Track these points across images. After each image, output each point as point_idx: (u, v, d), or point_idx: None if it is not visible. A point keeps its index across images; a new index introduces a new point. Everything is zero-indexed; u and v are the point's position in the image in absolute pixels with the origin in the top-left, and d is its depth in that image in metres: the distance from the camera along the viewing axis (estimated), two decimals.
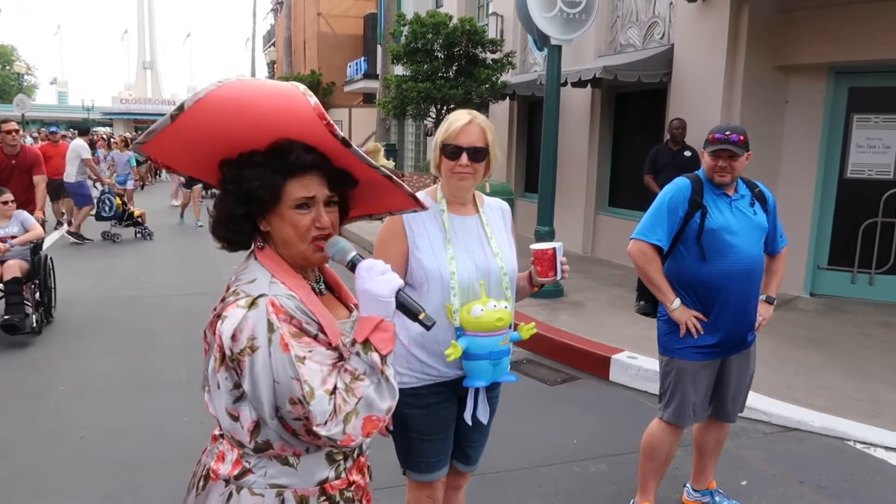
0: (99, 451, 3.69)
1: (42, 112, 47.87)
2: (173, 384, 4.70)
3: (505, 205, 2.37)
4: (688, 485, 3.30)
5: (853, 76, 6.90)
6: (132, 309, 6.82)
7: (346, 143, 1.32)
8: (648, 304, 3.12)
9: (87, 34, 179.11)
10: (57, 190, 11.12)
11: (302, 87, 1.29)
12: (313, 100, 1.28)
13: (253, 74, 37.21)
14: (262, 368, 1.28)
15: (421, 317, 1.35)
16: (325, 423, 1.27)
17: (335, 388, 1.30)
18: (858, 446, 3.90)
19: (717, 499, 3.19)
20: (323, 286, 1.52)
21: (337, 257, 1.40)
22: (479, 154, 2.11)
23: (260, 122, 1.29)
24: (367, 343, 1.32)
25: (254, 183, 1.33)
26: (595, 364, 5.08)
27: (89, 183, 11.13)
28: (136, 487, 3.30)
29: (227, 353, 1.32)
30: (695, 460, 3.24)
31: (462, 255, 2.12)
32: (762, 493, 3.38)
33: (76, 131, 13.06)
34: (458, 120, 2.12)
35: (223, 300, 1.38)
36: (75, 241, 10.69)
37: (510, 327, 2.13)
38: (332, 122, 1.30)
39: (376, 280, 1.33)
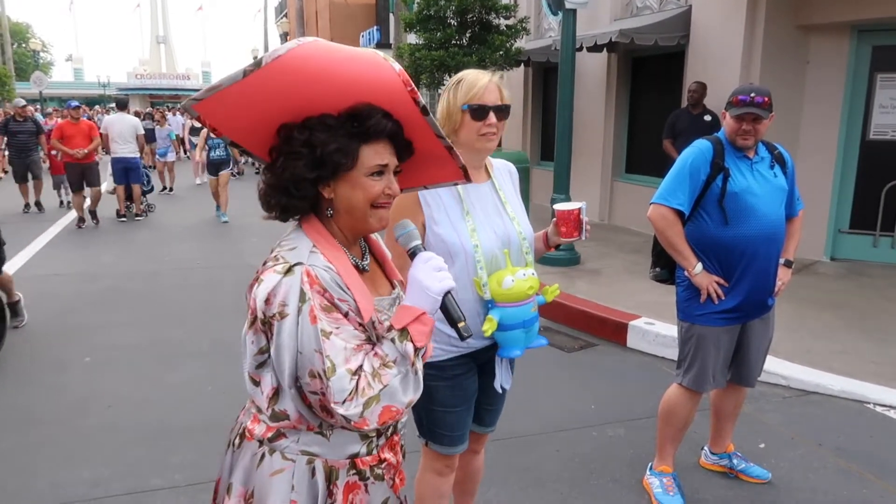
0: (125, 419, 3.78)
1: (59, 89, 48.12)
2: (196, 355, 4.78)
3: (511, 165, 2.33)
4: (706, 448, 3.31)
5: (876, 34, 6.71)
6: (154, 282, 6.91)
7: (425, 111, 1.32)
8: (664, 270, 3.10)
9: (101, 9, 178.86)
10: (80, 177, 10.05)
11: (382, 54, 1.28)
12: (398, 66, 1.27)
13: (265, 47, 36.94)
14: (288, 336, 1.28)
15: (460, 325, 1.35)
16: (344, 401, 1.26)
17: (359, 368, 1.29)
18: (878, 409, 3.88)
19: (735, 461, 3.21)
20: (368, 262, 1.49)
21: (401, 240, 1.40)
22: (503, 112, 2.09)
23: (339, 84, 1.27)
24: (404, 331, 1.32)
25: (330, 146, 1.31)
26: (612, 330, 5.09)
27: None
28: (163, 454, 3.38)
29: (260, 315, 1.32)
30: (713, 424, 3.25)
31: (483, 226, 2.07)
32: (780, 456, 3.39)
33: (115, 106, 12.09)
34: (480, 79, 2.06)
35: (264, 264, 1.38)
36: (138, 217, 10.83)
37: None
38: (415, 88, 1.30)
39: (432, 274, 1.34)
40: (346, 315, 1.33)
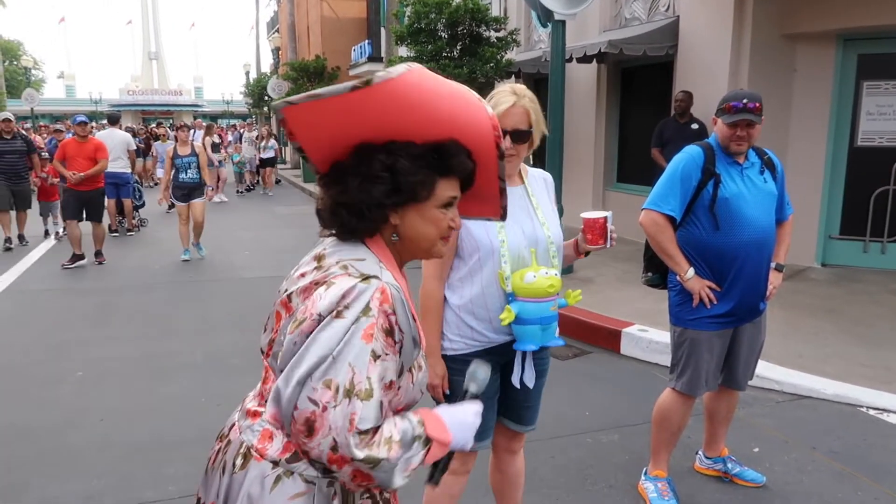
0: (118, 433, 3.76)
1: (51, 106, 48.15)
2: (189, 368, 4.76)
3: (548, 176, 2.39)
4: (700, 452, 3.32)
5: (862, 43, 6.81)
6: (146, 296, 6.89)
7: (502, 156, 1.36)
8: (656, 275, 3.12)
9: (92, 26, 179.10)
10: (79, 207, 8.35)
11: (476, 94, 1.30)
12: (490, 109, 1.31)
13: (258, 62, 37.07)
14: (330, 336, 1.20)
15: (438, 466, 1.39)
16: (361, 433, 1.18)
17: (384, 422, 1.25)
18: (871, 412, 3.90)
19: (729, 465, 3.21)
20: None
21: (474, 384, 1.48)
22: (522, 136, 2.13)
23: (436, 118, 1.28)
24: (428, 440, 1.30)
25: (415, 177, 1.30)
26: (606, 338, 5.10)
27: None
28: (156, 467, 3.36)
29: (313, 314, 1.24)
30: (706, 428, 3.25)
31: (510, 225, 2.15)
32: (774, 459, 3.40)
33: (107, 122, 11.24)
34: (503, 102, 2.12)
35: (320, 268, 1.32)
36: (130, 232, 10.82)
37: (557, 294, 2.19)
38: (500, 134, 1.33)
39: (471, 431, 1.38)
40: (396, 343, 1.28)
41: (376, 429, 1.22)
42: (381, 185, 1.29)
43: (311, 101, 1.24)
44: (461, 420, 1.37)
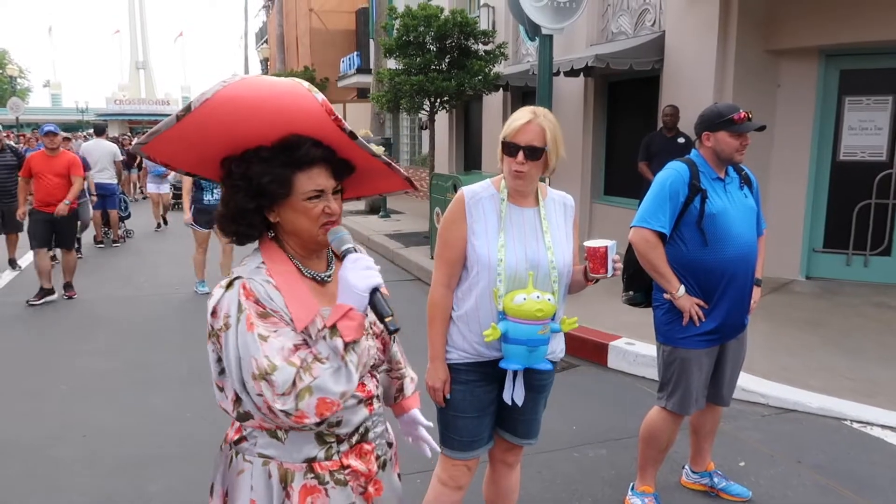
0: (102, 448, 3.72)
1: (36, 115, 47.76)
2: (174, 380, 4.72)
3: (569, 199, 2.38)
4: (686, 467, 3.33)
5: (844, 58, 6.91)
6: (131, 308, 6.84)
7: (352, 135, 1.42)
8: (639, 293, 3.10)
9: (79, 35, 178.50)
10: (48, 232, 7.04)
11: (306, 84, 1.36)
12: (320, 96, 1.35)
13: (246, 72, 37.04)
14: (232, 345, 1.37)
15: (387, 320, 1.42)
16: (282, 394, 1.33)
17: (297, 365, 1.38)
18: (855, 426, 3.93)
19: (715, 480, 3.22)
20: (330, 273, 1.58)
21: (334, 244, 1.48)
22: (535, 153, 2.12)
23: (267, 119, 1.36)
24: (333, 328, 1.39)
25: (264, 178, 1.41)
26: (593, 351, 5.11)
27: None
28: (140, 484, 3.33)
29: (208, 328, 1.44)
30: (692, 443, 3.26)
31: (513, 244, 2.18)
32: (760, 474, 3.41)
33: (93, 132, 10.94)
34: (519, 119, 2.13)
35: None
36: (116, 243, 10.66)
37: (552, 319, 2.17)
38: (339, 116, 1.38)
39: (358, 273, 1.41)
40: (282, 320, 1.42)
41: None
42: (240, 192, 1.43)
43: (153, 137, 1.39)
44: (345, 283, 1.41)
